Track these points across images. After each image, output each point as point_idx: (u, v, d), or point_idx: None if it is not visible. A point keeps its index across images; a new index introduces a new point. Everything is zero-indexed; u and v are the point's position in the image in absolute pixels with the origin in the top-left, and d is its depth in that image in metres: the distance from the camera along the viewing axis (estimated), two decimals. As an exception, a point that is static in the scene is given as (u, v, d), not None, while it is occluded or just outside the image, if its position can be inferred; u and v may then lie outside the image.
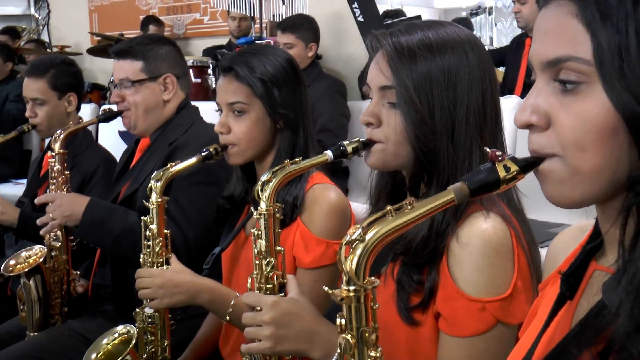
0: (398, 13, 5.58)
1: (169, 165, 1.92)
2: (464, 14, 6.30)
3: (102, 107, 4.80)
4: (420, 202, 1.00)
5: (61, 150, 2.63)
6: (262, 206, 1.49)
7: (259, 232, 1.51)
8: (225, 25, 6.84)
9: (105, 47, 6.78)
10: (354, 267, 0.99)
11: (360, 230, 0.99)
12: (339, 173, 4.07)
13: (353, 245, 0.99)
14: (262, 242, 1.50)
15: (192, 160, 1.93)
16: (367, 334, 1.03)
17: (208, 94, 5.14)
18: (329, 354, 1.39)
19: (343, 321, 1.05)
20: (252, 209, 1.55)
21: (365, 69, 5.85)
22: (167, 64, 2.60)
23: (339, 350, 1.06)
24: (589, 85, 0.85)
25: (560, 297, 1.02)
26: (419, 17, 4.59)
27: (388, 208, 1.00)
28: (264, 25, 5.51)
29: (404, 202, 1.00)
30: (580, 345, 0.89)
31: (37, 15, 9.27)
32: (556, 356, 0.94)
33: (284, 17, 5.24)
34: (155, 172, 1.94)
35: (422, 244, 1.37)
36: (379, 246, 0.99)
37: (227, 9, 5.84)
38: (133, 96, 2.56)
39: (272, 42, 4.94)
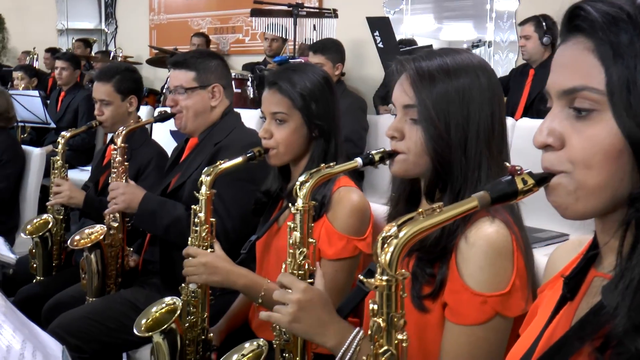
0: (411, 42, 5.51)
1: (218, 163, 1.88)
2: (464, 45, 6.23)
3: (157, 110, 4.78)
4: (448, 207, 0.98)
5: (122, 144, 2.59)
6: (299, 203, 1.44)
7: (295, 225, 1.45)
8: (262, 45, 6.81)
9: (161, 59, 6.77)
10: (387, 259, 0.97)
11: (395, 228, 0.97)
12: (355, 175, 4.03)
13: (388, 241, 0.97)
14: (297, 234, 1.45)
15: (239, 159, 1.88)
16: (395, 319, 1.01)
17: (247, 103, 5.10)
18: (340, 342, 1.35)
19: (375, 306, 1.02)
20: (290, 204, 1.49)
21: (379, 91, 5.85)
22: (216, 75, 2.56)
23: (369, 332, 1.02)
24: (600, 113, 0.84)
25: (562, 298, 1.00)
26: (430, 45, 4.53)
27: (420, 210, 0.98)
28: (296, 46, 5.46)
29: (434, 205, 0.98)
30: (581, 339, 0.87)
31: (106, 30, 9.30)
32: (558, 349, 0.91)
33: (314, 40, 5.20)
34: (205, 168, 1.89)
35: (435, 242, 1.34)
36: (411, 243, 0.97)
37: (265, 31, 5.80)
38: (185, 101, 2.51)
39: (303, 61, 4.89)
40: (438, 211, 0.97)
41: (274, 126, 1.92)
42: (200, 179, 1.87)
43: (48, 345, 1.49)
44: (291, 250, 1.46)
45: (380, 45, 4.05)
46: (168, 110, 2.61)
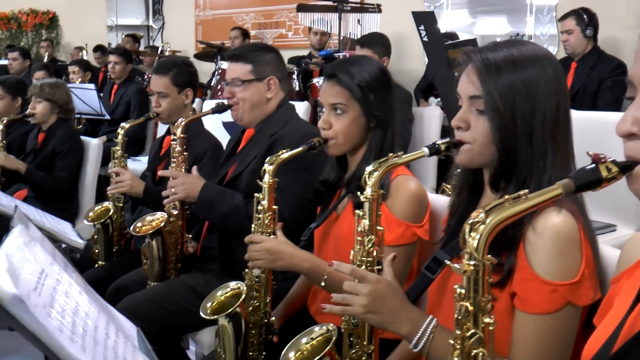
0: (453, 36, 5.46)
1: (279, 152, 1.87)
2: (498, 39, 6.13)
3: (205, 102, 4.81)
4: (533, 194, 0.97)
5: (182, 135, 2.60)
6: (368, 191, 1.43)
7: (363, 214, 1.44)
8: (305, 39, 6.82)
9: (207, 53, 6.80)
10: (475, 244, 0.96)
11: (482, 214, 0.95)
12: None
13: (475, 227, 0.96)
14: (365, 222, 1.43)
15: (299, 149, 1.88)
16: (483, 303, 0.99)
17: (292, 96, 5.10)
18: (413, 329, 1.33)
19: (463, 290, 1.00)
20: (359, 193, 1.48)
21: (420, 84, 5.80)
22: (272, 68, 2.55)
23: (457, 316, 1.01)
24: None
25: None
26: (475, 40, 4.46)
27: (507, 197, 0.97)
28: (341, 40, 5.44)
29: (520, 193, 0.97)
30: None
31: (154, 26, 9.39)
32: None
33: (358, 34, 5.18)
34: (267, 157, 1.88)
35: (502, 232, 1.28)
36: (498, 228, 0.96)
37: (311, 26, 5.80)
38: (242, 93, 2.51)
39: (347, 54, 4.87)
40: (524, 198, 0.96)
41: (333, 117, 1.91)
42: (263, 167, 1.87)
43: (124, 327, 1.51)
44: (359, 238, 1.45)
45: (425, 39, 3.99)
46: (225, 102, 2.61)
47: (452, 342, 1.01)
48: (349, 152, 1.96)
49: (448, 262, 1.05)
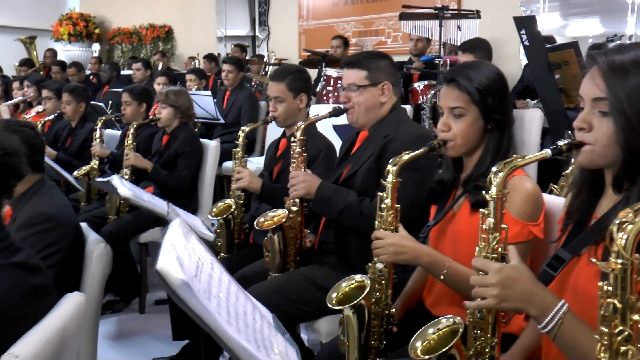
0: (550, 39, 5.30)
1: (402, 154, 1.89)
2: (590, 41, 5.89)
3: (333, 106, 4.87)
4: None
5: (301, 137, 2.67)
6: (493, 191, 1.42)
7: (488, 212, 1.44)
8: (403, 45, 6.81)
9: (311, 61, 6.89)
10: (623, 243, 0.94)
11: (631, 214, 0.94)
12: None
13: (623, 226, 0.95)
14: (490, 220, 1.43)
15: (420, 150, 1.89)
16: (631, 301, 0.97)
17: (395, 99, 5.10)
18: (544, 312, 1.32)
19: (610, 288, 0.98)
20: (484, 192, 1.47)
21: (516, 86, 5.66)
22: (385, 74, 2.57)
23: (603, 312, 0.99)
24: None
25: None
26: (576, 43, 4.32)
27: None
28: (441, 46, 5.39)
29: None
30: None
31: (260, 36, 9.61)
32: None
33: (458, 39, 5.12)
34: (392, 158, 1.90)
35: None
36: None
37: (410, 32, 5.78)
38: (357, 97, 2.55)
39: (448, 60, 4.82)
40: (674, 199, 0.93)
41: (452, 120, 1.91)
42: (387, 168, 1.88)
43: (263, 313, 1.57)
44: (484, 235, 1.45)
45: (526, 43, 3.92)
46: (341, 106, 2.66)
47: (597, 337, 1.00)
48: (466, 154, 1.96)
49: (594, 261, 1.03)
